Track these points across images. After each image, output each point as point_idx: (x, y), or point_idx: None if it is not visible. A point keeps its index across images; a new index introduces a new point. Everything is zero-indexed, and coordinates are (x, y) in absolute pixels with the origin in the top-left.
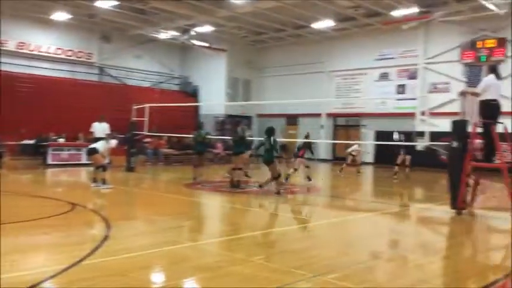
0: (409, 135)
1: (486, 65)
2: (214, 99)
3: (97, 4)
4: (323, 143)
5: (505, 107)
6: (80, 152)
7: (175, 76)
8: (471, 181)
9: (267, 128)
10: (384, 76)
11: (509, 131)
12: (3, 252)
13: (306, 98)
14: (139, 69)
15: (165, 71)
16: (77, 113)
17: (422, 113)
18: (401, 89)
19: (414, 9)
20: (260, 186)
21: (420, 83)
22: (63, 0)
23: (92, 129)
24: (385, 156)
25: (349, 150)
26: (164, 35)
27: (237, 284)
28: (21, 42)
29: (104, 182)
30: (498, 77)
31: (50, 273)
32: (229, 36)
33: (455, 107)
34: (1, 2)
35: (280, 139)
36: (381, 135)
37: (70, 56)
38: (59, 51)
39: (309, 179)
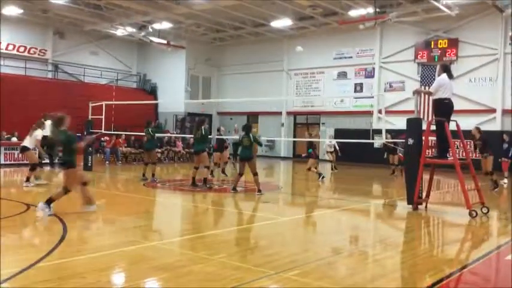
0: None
1: (439, 65)
2: (173, 97)
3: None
4: (283, 141)
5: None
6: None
7: (133, 73)
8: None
9: (244, 125)
10: (342, 75)
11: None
12: None
13: (266, 96)
14: (95, 66)
15: (122, 68)
16: (30, 112)
17: (379, 111)
18: (358, 87)
19: (370, 10)
20: (234, 189)
21: (377, 81)
22: None
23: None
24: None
25: (324, 147)
26: (121, 31)
27: (198, 283)
28: None
29: (27, 180)
30: (450, 76)
31: (4, 276)
32: (188, 33)
33: (410, 106)
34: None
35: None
36: (340, 133)
37: (22, 52)
38: (11, 47)
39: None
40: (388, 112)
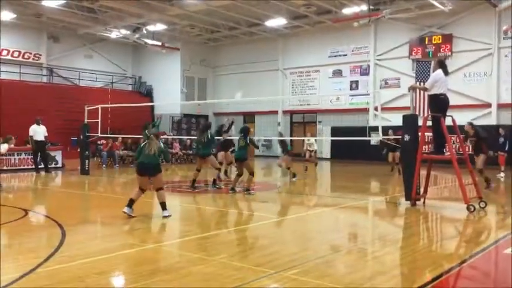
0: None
1: (434, 60)
2: (169, 99)
3: (44, 3)
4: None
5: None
6: (30, 157)
7: (128, 76)
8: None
9: (243, 127)
10: (338, 73)
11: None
12: None
13: (262, 96)
14: (90, 70)
15: (117, 71)
16: (26, 116)
17: (375, 108)
18: (354, 85)
19: (364, 7)
20: (232, 189)
21: (372, 79)
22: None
23: (31, 133)
24: (340, 151)
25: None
26: (115, 34)
27: (198, 284)
28: None
29: None
30: (446, 72)
31: (4, 282)
32: (182, 34)
33: (406, 102)
34: (1, 2)
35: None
36: (336, 131)
37: (17, 57)
38: (5, 53)
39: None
40: (384, 109)
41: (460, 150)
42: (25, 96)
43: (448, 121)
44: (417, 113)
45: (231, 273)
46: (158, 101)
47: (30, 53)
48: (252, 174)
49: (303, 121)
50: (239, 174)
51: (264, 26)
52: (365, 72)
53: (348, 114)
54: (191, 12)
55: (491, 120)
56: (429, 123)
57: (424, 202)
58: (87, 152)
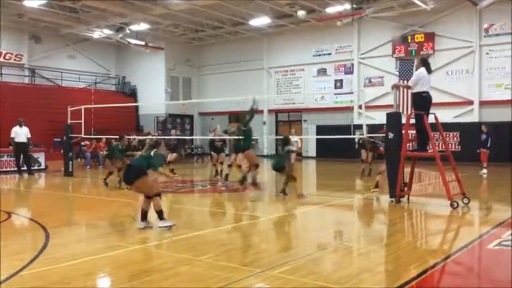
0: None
1: (417, 59)
2: (153, 99)
3: (25, 3)
4: (266, 139)
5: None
6: (13, 159)
7: (111, 76)
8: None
9: (284, 137)
10: (322, 72)
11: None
12: None
13: (247, 95)
14: (73, 70)
15: (100, 71)
16: (8, 118)
17: (360, 107)
18: (338, 83)
19: (347, 6)
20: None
21: (356, 77)
22: None
23: (12, 135)
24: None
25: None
26: (98, 34)
27: (185, 284)
28: None
29: None
30: (429, 70)
31: None
32: (166, 34)
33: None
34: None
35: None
36: (321, 129)
37: None
38: None
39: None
40: (368, 107)
41: (443, 147)
42: (7, 97)
43: (431, 119)
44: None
45: (218, 273)
46: (142, 101)
47: (12, 54)
48: (292, 179)
49: (288, 120)
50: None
51: (248, 25)
52: (349, 70)
53: (333, 112)
54: (175, 12)
55: (474, 118)
56: (412, 121)
57: (408, 199)
58: (70, 154)
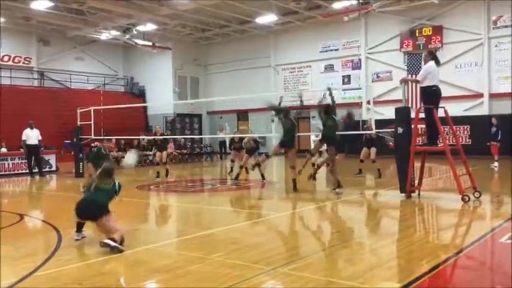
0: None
1: (425, 52)
2: (161, 99)
3: (32, 6)
4: (274, 137)
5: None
6: (24, 161)
7: (119, 77)
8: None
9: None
10: (329, 67)
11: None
12: None
13: (255, 93)
14: (81, 72)
15: (109, 72)
16: (18, 121)
17: (368, 102)
18: (346, 79)
19: (354, 1)
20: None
21: (364, 72)
22: None
23: (23, 137)
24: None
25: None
26: (105, 35)
27: (196, 282)
28: None
29: None
30: (437, 63)
31: (2, 286)
32: (173, 34)
33: (398, 95)
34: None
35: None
36: None
37: (7, 61)
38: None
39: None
40: (376, 102)
41: (453, 141)
42: (17, 100)
43: (440, 112)
44: (409, 105)
45: (229, 271)
46: (151, 101)
47: (20, 57)
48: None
49: (296, 117)
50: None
51: (254, 23)
52: (357, 66)
53: (341, 108)
54: (181, 12)
55: (484, 110)
56: (422, 115)
57: (419, 194)
58: (81, 155)
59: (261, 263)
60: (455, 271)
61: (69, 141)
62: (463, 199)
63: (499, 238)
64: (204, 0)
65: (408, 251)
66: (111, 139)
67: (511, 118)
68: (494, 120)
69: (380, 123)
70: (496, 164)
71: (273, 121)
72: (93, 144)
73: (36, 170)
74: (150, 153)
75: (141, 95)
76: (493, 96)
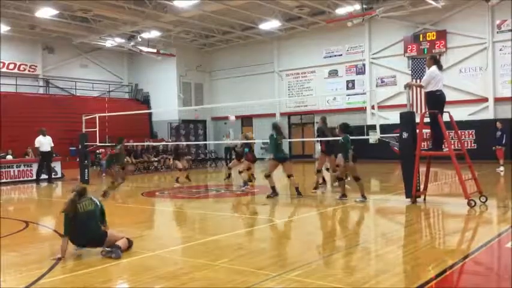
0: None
1: (428, 57)
2: (166, 105)
3: (37, 14)
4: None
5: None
6: (30, 168)
7: (124, 84)
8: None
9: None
10: (333, 73)
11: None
12: None
13: (259, 99)
14: (86, 79)
15: (113, 80)
16: (23, 128)
17: (372, 107)
18: (350, 84)
19: (357, 6)
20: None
21: (368, 77)
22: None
23: (37, 144)
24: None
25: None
26: (110, 42)
27: None
28: None
29: None
30: (440, 67)
31: None
32: (177, 41)
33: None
34: (0, 2)
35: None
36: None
37: (12, 69)
38: (0, 65)
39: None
40: (381, 107)
41: (459, 145)
42: (22, 108)
43: (445, 117)
44: (414, 110)
45: (234, 277)
46: (155, 108)
47: (26, 65)
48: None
49: (300, 122)
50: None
51: (258, 29)
52: (361, 71)
53: (345, 113)
54: (185, 18)
55: (489, 115)
56: (427, 119)
57: (424, 199)
58: (86, 162)
59: (267, 269)
60: (461, 276)
61: (75, 148)
62: (469, 204)
63: (506, 243)
64: (208, 6)
65: (414, 256)
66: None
67: None
68: (499, 125)
69: (385, 128)
70: (502, 168)
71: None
72: (98, 151)
73: (43, 177)
74: (155, 159)
75: (145, 102)
76: (497, 100)
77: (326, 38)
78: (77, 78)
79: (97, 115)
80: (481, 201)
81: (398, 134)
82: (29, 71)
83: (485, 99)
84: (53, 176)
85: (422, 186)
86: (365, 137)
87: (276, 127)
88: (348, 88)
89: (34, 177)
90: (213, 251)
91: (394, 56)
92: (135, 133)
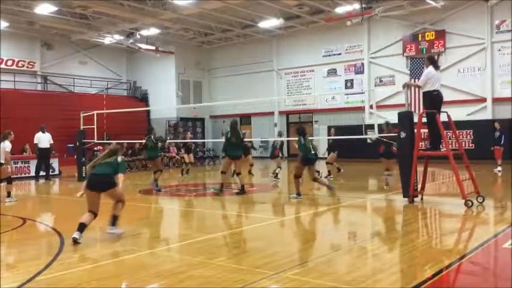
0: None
1: (425, 58)
2: (164, 103)
3: (36, 11)
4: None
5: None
6: (27, 165)
7: (123, 81)
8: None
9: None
10: (332, 72)
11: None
12: None
13: (258, 97)
14: (85, 76)
15: (112, 77)
16: (21, 125)
17: (371, 106)
18: (349, 83)
19: (356, 6)
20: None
21: (367, 77)
22: None
23: (36, 141)
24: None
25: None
26: (109, 39)
27: (199, 287)
28: None
29: (8, 195)
30: (436, 67)
31: None
32: (176, 38)
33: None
34: (0, 2)
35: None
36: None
37: (10, 65)
38: None
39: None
40: (379, 107)
41: (456, 145)
42: (20, 104)
43: (443, 117)
44: (412, 109)
45: (231, 276)
46: (154, 105)
47: (24, 61)
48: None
49: (299, 121)
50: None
51: (257, 27)
52: (359, 70)
53: (344, 113)
54: (184, 16)
55: (487, 115)
56: (425, 119)
57: (422, 198)
58: (84, 159)
59: (264, 268)
60: (458, 276)
61: (72, 145)
62: (466, 204)
63: (502, 243)
64: (207, 4)
65: (411, 256)
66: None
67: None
68: (497, 125)
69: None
70: (499, 168)
71: (275, 125)
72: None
73: (42, 174)
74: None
75: (144, 99)
76: (496, 100)
77: (325, 37)
78: (75, 75)
79: (95, 112)
80: (478, 201)
81: (396, 134)
82: (27, 67)
83: (484, 100)
84: (50, 173)
85: (419, 186)
86: (363, 136)
87: (230, 125)
88: (346, 87)
89: (32, 174)
90: (210, 249)
91: (392, 55)
92: (132, 130)
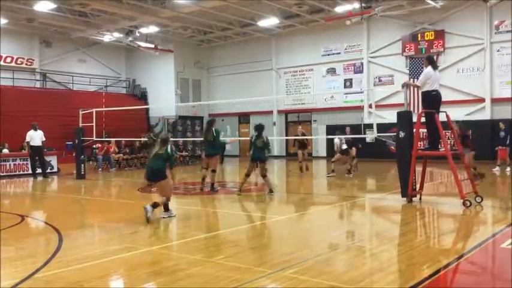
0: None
1: (424, 58)
2: (163, 101)
3: (35, 8)
4: (276, 140)
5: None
6: (25, 162)
7: (122, 79)
8: None
9: (257, 125)
10: (331, 71)
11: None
12: None
13: (257, 96)
14: (84, 74)
15: (111, 75)
16: (20, 122)
17: (370, 106)
18: (348, 83)
19: (356, 5)
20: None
21: (366, 76)
22: None
23: (28, 139)
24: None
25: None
26: (108, 37)
27: (197, 285)
28: None
29: None
30: (435, 67)
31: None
32: (175, 36)
33: (400, 99)
34: (0, 2)
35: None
36: (331, 129)
37: (9, 62)
38: None
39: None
40: (378, 106)
41: (455, 145)
42: (19, 102)
43: (442, 117)
44: (411, 109)
45: (230, 274)
46: (153, 104)
47: (23, 58)
48: (264, 176)
49: (298, 120)
50: (247, 175)
51: (256, 26)
52: (358, 70)
53: (343, 112)
54: (183, 14)
55: (486, 115)
56: (423, 119)
57: (420, 198)
58: (82, 156)
59: (262, 266)
60: (456, 276)
61: (71, 142)
62: (464, 204)
63: (501, 243)
64: (207, 2)
65: (409, 255)
66: (112, 141)
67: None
68: (502, 125)
69: (382, 127)
70: (497, 168)
71: (274, 124)
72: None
73: (39, 171)
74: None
75: (143, 97)
76: (495, 101)
77: (324, 36)
78: (74, 72)
79: (94, 110)
80: (476, 201)
81: (395, 133)
82: (26, 64)
83: (482, 100)
84: (48, 170)
85: (418, 186)
86: (362, 135)
87: (207, 123)
88: (345, 86)
89: (30, 171)
90: (209, 248)
91: (392, 55)
92: (131, 128)
